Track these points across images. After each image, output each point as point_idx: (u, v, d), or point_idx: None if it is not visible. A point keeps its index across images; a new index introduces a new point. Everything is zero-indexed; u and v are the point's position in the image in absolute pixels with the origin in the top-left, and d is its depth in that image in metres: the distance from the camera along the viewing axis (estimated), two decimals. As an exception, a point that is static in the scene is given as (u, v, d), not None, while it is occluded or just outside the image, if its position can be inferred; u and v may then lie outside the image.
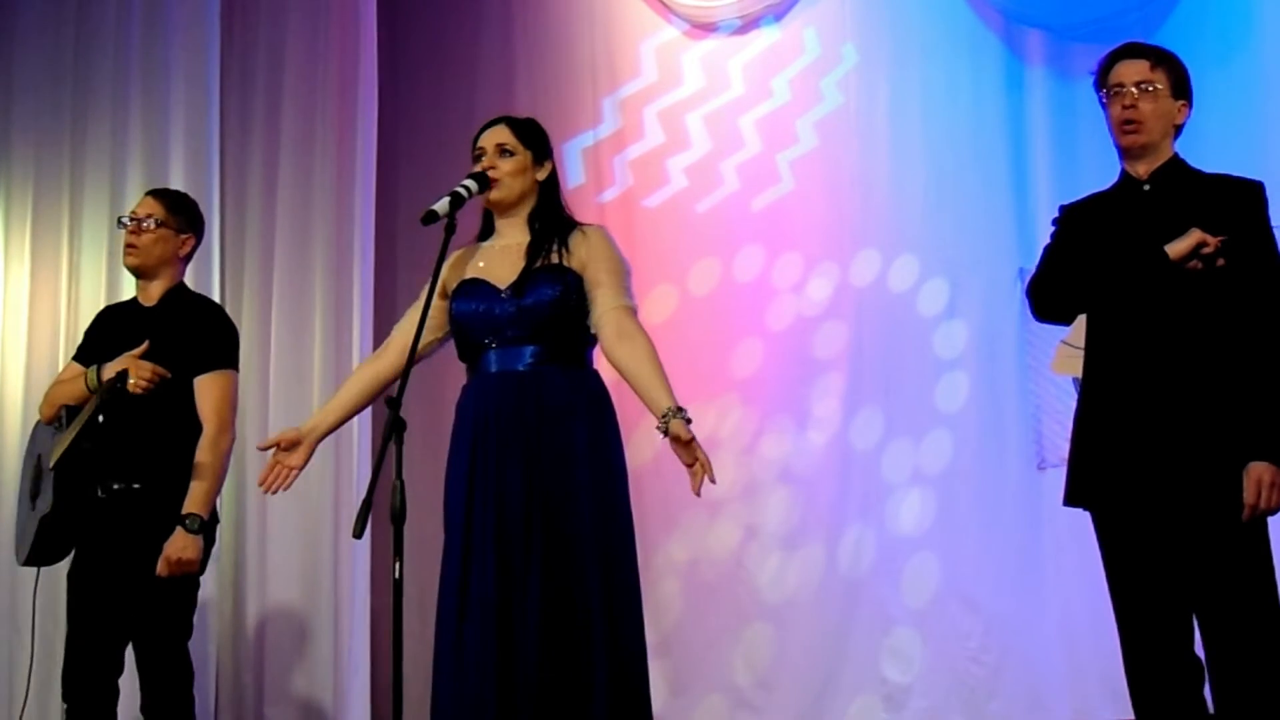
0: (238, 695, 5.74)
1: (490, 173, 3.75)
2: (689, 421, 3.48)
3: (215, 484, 4.17)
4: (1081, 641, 5.23)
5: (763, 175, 5.93)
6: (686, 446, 3.47)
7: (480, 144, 3.81)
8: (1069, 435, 5.29)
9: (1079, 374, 5.31)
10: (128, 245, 4.29)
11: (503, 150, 3.78)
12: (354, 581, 5.72)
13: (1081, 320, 4.95)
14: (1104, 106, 3.58)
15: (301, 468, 3.76)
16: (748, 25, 5.98)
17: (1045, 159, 5.47)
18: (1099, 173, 5.19)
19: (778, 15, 5.94)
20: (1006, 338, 5.48)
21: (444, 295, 3.81)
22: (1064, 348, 5.33)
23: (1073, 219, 3.64)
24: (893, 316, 5.69)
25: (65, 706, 4.15)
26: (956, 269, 5.58)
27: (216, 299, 5.68)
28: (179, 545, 4.04)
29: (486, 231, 3.87)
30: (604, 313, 3.69)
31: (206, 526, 4.14)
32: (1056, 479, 5.33)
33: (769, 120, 5.94)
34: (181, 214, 4.33)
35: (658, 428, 3.50)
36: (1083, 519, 3.62)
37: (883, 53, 5.78)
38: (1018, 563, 5.39)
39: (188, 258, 4.37)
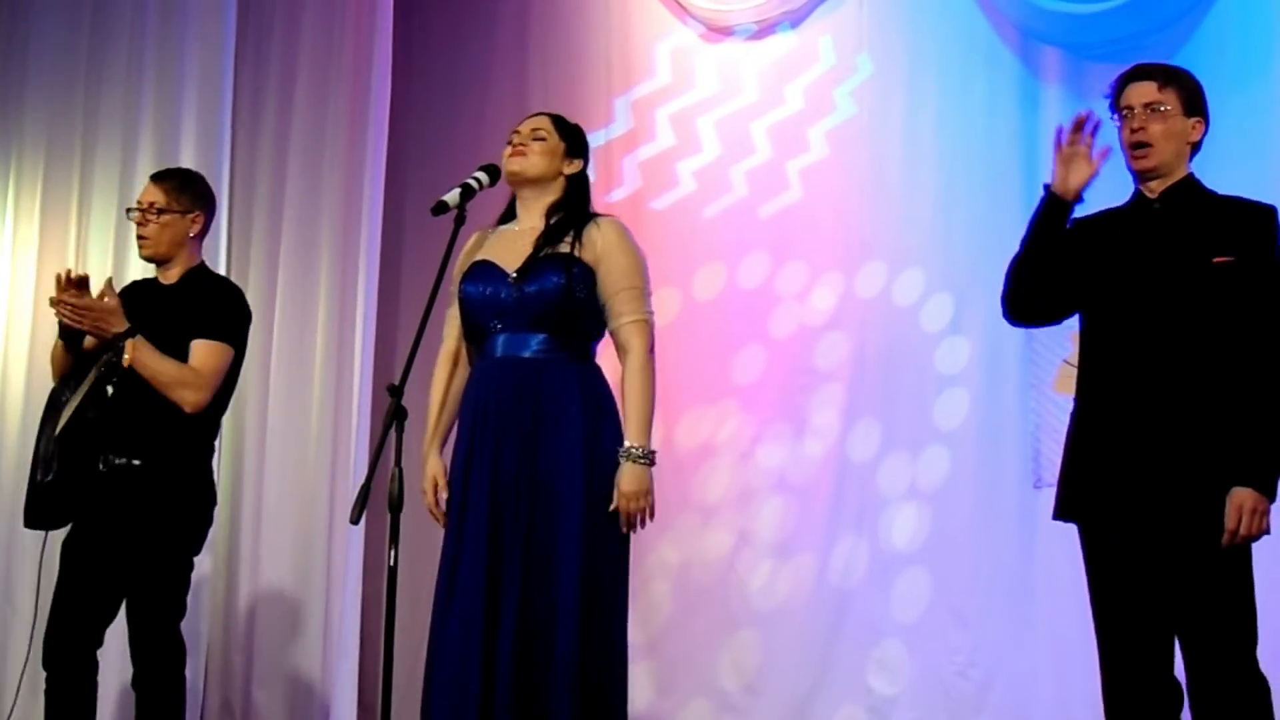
0: (226, 674, 5.76)
1: (519, 147, 3.79)
2: (647, 463, 3.67)
3: (171, 378, 4.07)
4: (1069, 659, 5.21)
5: (772, 182, 5.92)
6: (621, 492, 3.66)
7: (518, 128, 3.86)
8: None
9: (1080, 393, 5.31)
10: (139, 237, 4.28)
11: (536, 134, 3.84)
12: (347, 567, 5.73)
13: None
14: (1117, 130, 3.57)
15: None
16: (764, 30, 5.96)
17: (1057, 178, 5.44)
18: (1111, 194, 5.22)
19: (794, 22, 5.92)
20: (1009, 355, 5.45)
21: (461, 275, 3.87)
22: (1067, 367, 5.31)
23: (1079, 231, 3.62)
24: (896, 329, 5.67)
25: (46, 675, 4.16)
26: (962, 285, 5.56)
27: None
28: None
29: (509, 216, 3.89)
30: (616, 328, 3.77)
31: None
32: (1052, 498, 5.34)
33: (780, 127, 5.93)
34: (185, 193, 4.30)
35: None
36: (1074, 539, 3.61)
37: (898, 64, 5.76)
38: (1010, 580, 5.38)
39: (201, 235, 4.34)
